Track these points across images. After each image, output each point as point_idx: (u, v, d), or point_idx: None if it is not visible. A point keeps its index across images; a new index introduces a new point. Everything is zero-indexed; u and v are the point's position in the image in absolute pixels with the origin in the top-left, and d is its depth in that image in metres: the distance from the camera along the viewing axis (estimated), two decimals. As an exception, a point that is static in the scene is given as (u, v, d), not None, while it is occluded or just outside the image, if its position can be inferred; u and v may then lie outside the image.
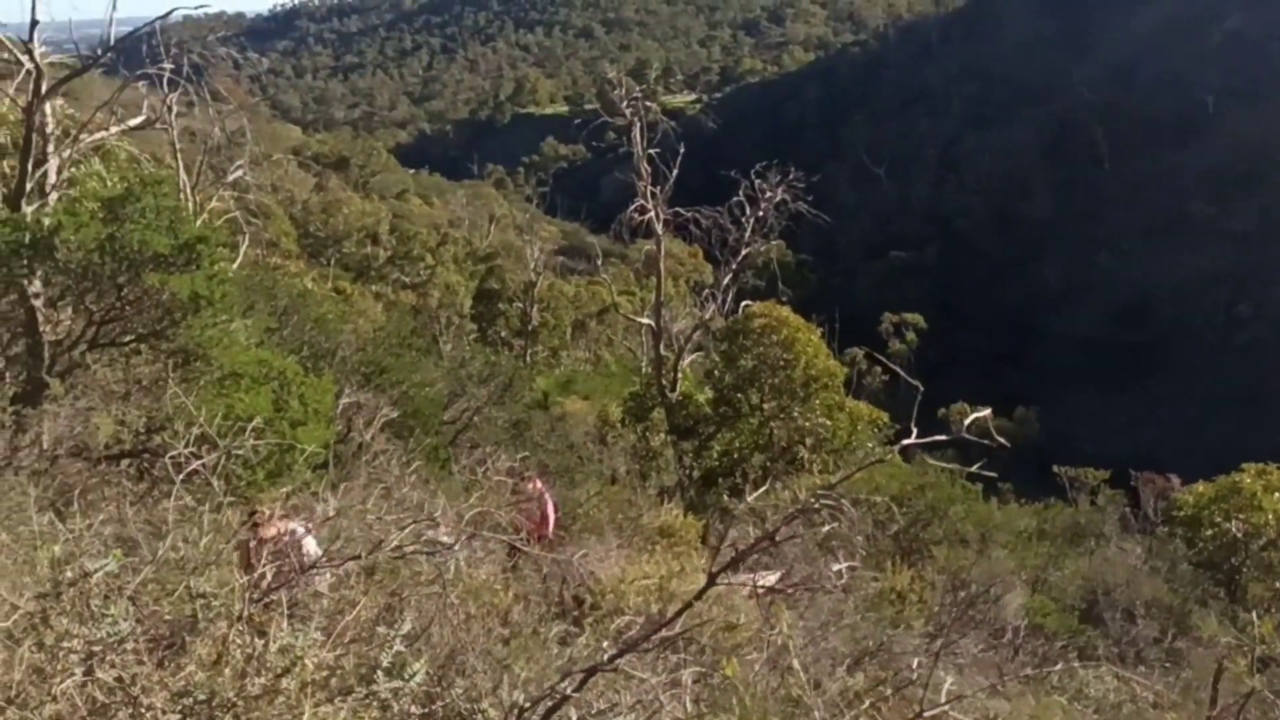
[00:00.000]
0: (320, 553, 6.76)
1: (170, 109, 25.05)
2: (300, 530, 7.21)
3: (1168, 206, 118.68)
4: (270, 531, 6.94)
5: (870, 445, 24.20)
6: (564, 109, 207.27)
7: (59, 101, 16.21)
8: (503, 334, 58.36)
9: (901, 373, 6.56)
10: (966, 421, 5.74)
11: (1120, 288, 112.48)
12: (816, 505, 5.65)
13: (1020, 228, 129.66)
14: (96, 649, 4.26)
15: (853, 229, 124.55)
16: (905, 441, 6.11)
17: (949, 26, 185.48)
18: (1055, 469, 39.09)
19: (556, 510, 14.67)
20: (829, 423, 24.49)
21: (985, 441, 5.54)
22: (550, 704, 4.75)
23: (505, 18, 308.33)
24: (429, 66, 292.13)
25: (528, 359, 49.63)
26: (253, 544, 7.06)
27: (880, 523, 20.65)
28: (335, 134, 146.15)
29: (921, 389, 5.58)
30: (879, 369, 74.86)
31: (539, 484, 14.48)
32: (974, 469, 6.31)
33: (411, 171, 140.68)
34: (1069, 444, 68.82)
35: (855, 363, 66.07)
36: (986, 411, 6.11)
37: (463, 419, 23.99)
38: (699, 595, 5.88)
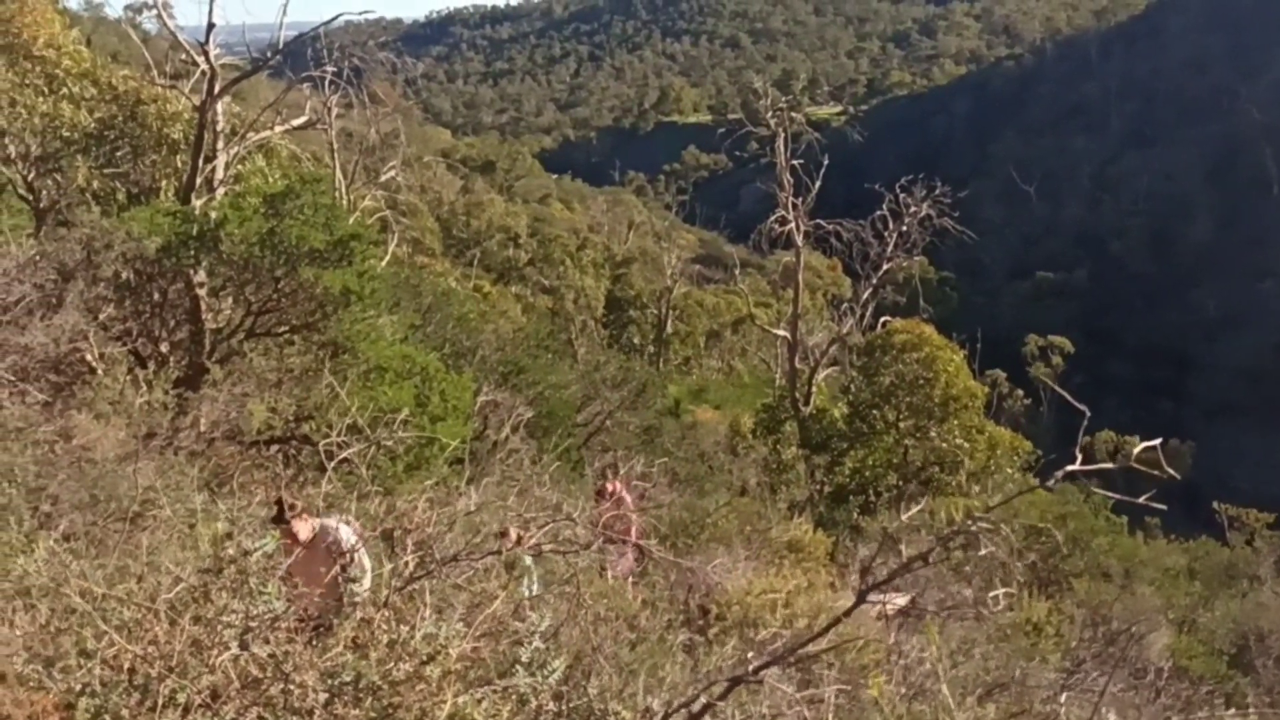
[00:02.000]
0: (353, 538, 6.81)
1: (330, 110, 26.02)
2: (333, 524, 7.30)
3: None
4: (305, 531, 7.02)
5: (1010, 471, 23.46)
6: (707, 118, 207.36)
7: (229, 100, 16.98)
8: (636, 340, 58.73)
9: (1068, 396, 6.30)
10: (1135, 451, 5.47)
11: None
12: (973, 528, 5.48)
13: (1179, 252, 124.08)
14: (253, 625, 4.42)
15: (998, 247, 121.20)
16: (1069, 468, 5.85)
17: (1110, 41, 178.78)
18: (1215, 506, 37.20)
19: (639, 504, 14.37)
20: (967, 445, 23.83)
21: (1145, 469, 5.28)
22: (692, 711, 4.72)
23: (653, 27, 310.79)
24: (576, 74, 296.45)
25: (661, 366, 49.81)
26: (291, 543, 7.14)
27: (1017, 550, 19.93)
28: (483, 138, 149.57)
29: (1089, 413, 5.34)
30: (1021, 392, 72.70)
31: (618, 485, 14.27)
32: (1142, 499, 5.98)
33: (554, 176, 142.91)
34: (1224, 481, 65.49)
35: (996, 385, 64.35)
36: (1156, 442, 5.80)
37: (595, 422, 24.20)
38: (848, 613, 5.77)
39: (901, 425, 24.61)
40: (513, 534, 6.80)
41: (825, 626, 5.76)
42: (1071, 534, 21.66)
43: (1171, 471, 5.30)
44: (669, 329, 56.43)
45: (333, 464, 7.75)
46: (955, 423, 24.02)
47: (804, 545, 15.10)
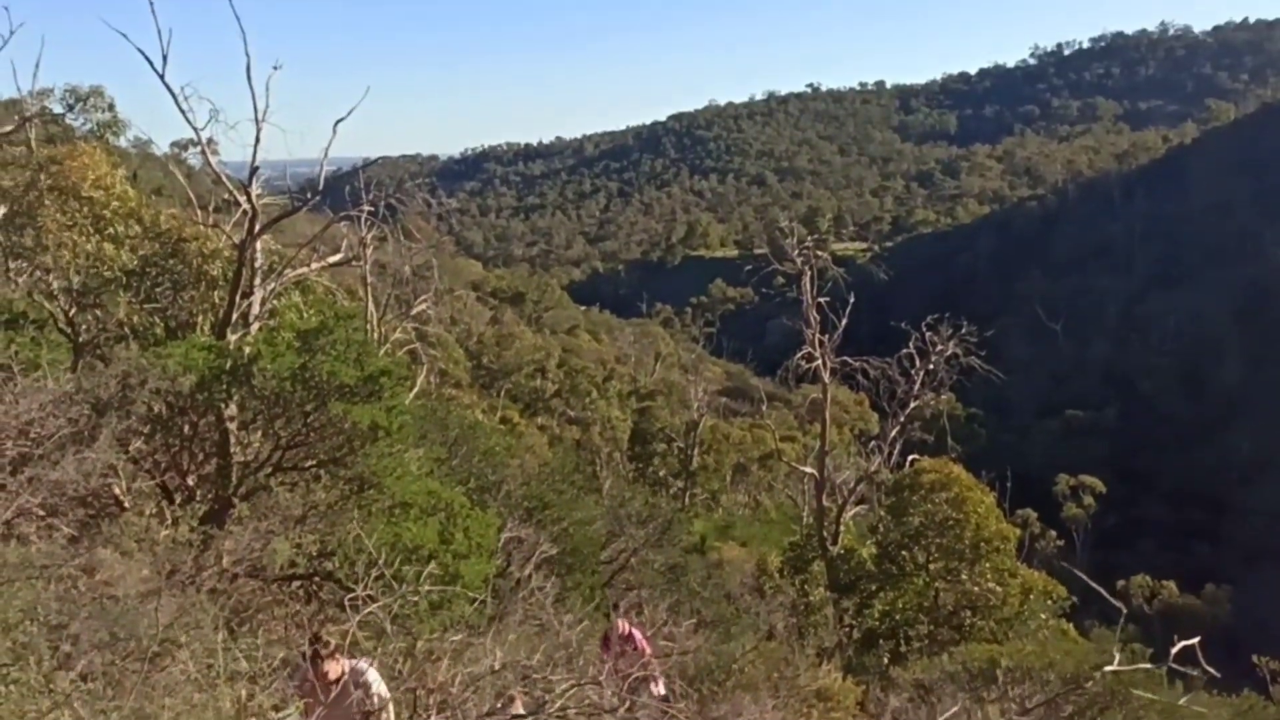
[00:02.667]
0: (384, 690, 6.67)
1: (366, 246, 26.62)
2: (364, 667, 7.17)
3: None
4: (335, 671, 6.91)
5: (1044, 617, 22.87)
6: (734, 252, 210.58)
7: (267, 237, 17.40)
8: (662, 473, 58.45)
9: (1103, 591, 6.16)
10: (1174, 651, 5.31)
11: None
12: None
13: (1210, 393, 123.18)
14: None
15: (1026, 385, 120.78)
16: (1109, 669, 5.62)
17: (1132, 184, 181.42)
18: (1255, 659, 35.88)
19: (650, 644, 14.04)
20: (999, 589, 23.31)
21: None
22: None
23: (681, 164, 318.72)
24: (605, 208, 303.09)
25: (686, 500, 49.42)
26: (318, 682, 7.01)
27: (1052, 702, 19.29)
28: (513, 270, 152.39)
29: (1124, 612, 5.18)
30: (1054, 533, 71.42)
31: (627, 624, 13.96)
32: (1202, 673, 5.76)
33: (583, 308, 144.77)
34: (1266, 629, 63.41)
35: (1027, 525, 63.28)
36: (1195, 641, 5.65)
37: (620, 560, 23.91)
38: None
39: (932, 567, 24.16)
40: (519, 703, 6.64)
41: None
42: (1110, 685, 20.91)
43: (1210, 670, 5.12)
44: (695, 462, 56.17)
45: (355, 604, 7.64)
46: (987, 565, 23.56)
47: (833, 694, 14.66)
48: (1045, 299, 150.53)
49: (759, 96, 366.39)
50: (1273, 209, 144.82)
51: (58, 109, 24.61)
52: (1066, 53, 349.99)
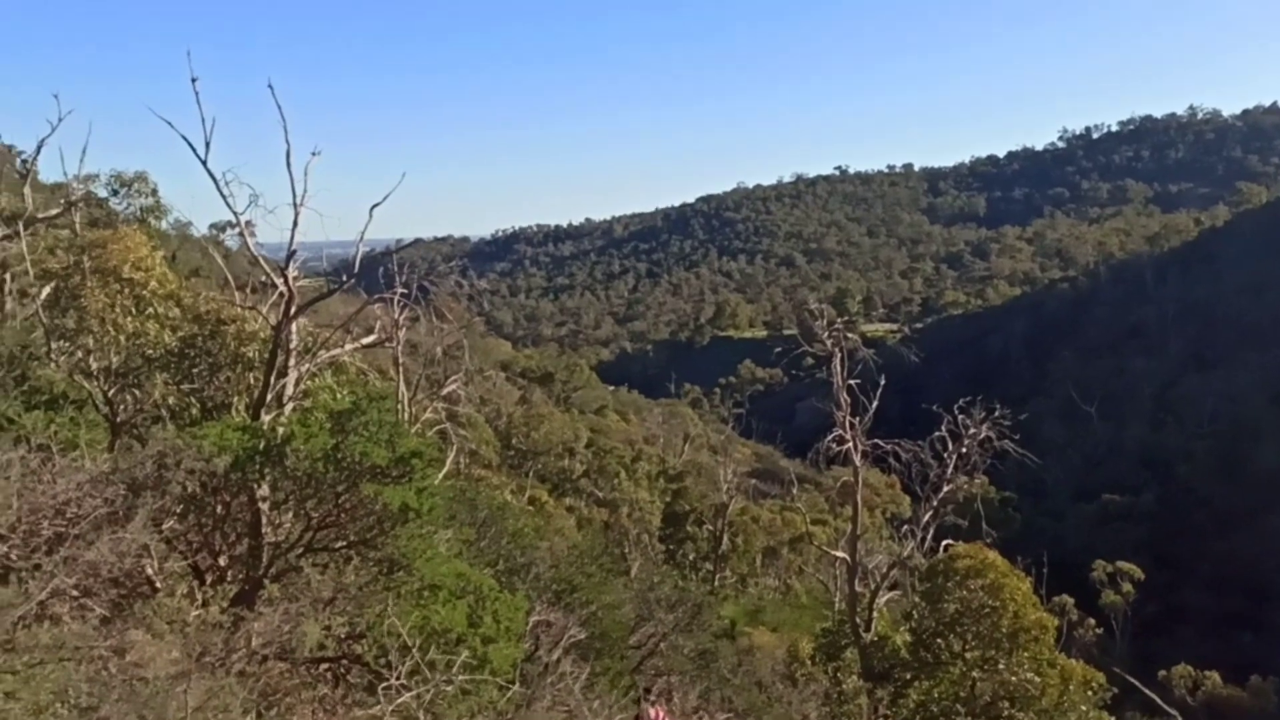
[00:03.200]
0: None
1: (399, 327, 26.88)
2: None
3: None
4: None
5: (1084, 709, 22.27)
6: (763, 333, 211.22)
7: (303, 319, 17.64)
8: (692, 556, 57.91)
9: (1160, 702, 6.05)
10: None
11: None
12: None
13: (1249, 476, 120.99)
14: None
15: (1061, 468, 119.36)
16: None
17: (1164, 266, 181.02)
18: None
19: None
20: (1038, 679, 22.74)
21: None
22: None
23: (710, 246, 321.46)
24: (634, 289, 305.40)
25: (716, 583, 48.87)
26: None
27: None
28: (542, 350, 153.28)
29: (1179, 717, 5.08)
30: (1092, 621, 69.89)
31: (658, 711, 13.72)
32: None
33: (611, 388, 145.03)
34: (1313, 721, 61.49)
35: (1065, 612, 62.03)
36: None
37: (649, 644, 23.59)
38: None
39: (968, 656, 23.65)
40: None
41: None
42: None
43: None
44: (725, 545, 55.63)
45: (385, 689, 7.56)
46: (1025, 654, 23.03)
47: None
48: (1078, 381, 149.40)
49: (787, 179, 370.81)
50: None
51: (102, 193, 25.27)
52: (1095, 136, 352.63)
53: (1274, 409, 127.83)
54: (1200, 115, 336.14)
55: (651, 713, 13.76)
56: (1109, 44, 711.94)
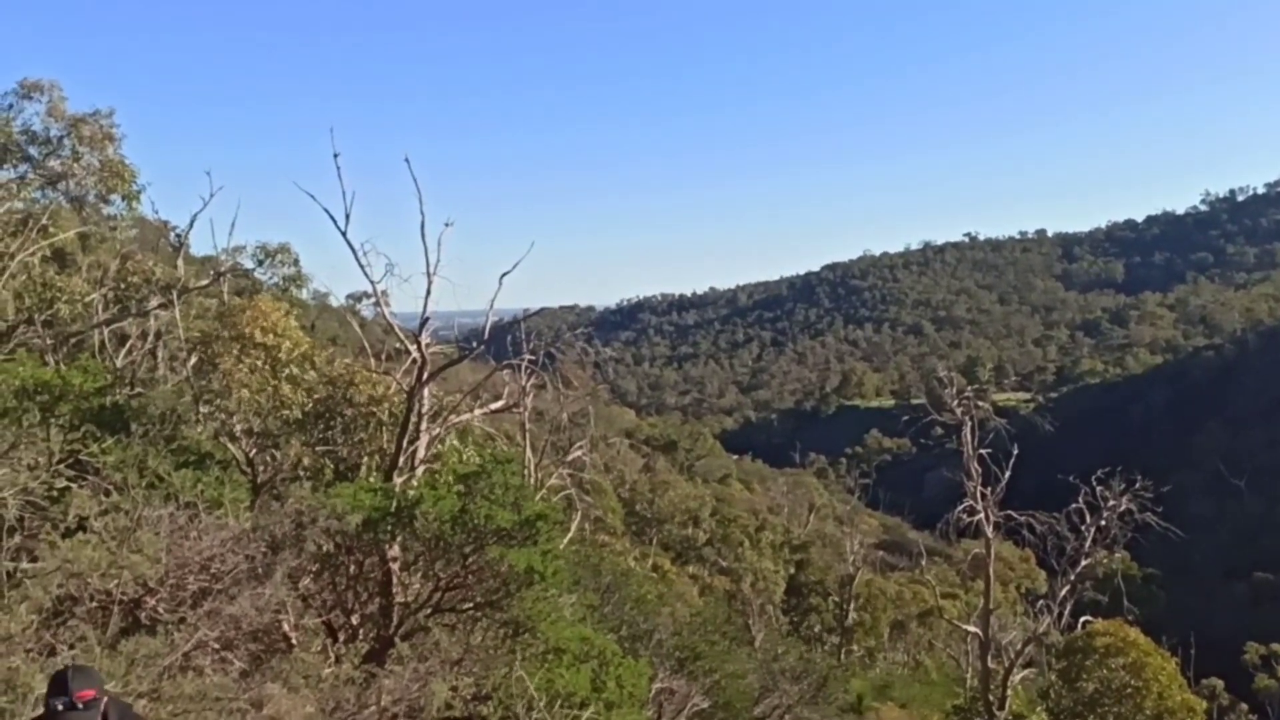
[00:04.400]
0: None
1: (525, 394, 27.38)
2: None
3: None
4: None
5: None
6: (890, 402, 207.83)
7: (433, 385, 18.17)
8: (817, 628, 56.80)
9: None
10: None
11: None
12: None
13: None
14: None
15: (1209, 545, 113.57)
16: None
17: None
18: None
19: None
20: (1186, 769, 21.57)
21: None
22: None
23: (835, 314, 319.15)
24: (758, 357, 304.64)
25: (842, 656, 47.78)
26: None
27: None
28: (666, 418, 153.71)
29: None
30: (1245, 706, 65.79)
31: None
32: None
33: (735, 457, 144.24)
34: None
35: (1215, 696, 58.56)
36: None
37: (773, 716, 23.19)
38: None
39: (1111, 740, 22.58)
40: None
41: None
42: None
43: None
44: (851, 618, 54.42)
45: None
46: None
47: None
48: (1226, 453, 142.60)
49: (915, 246, 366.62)
50: None
51: (249, 264, 26.61)
52: (1240, 198, 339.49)
53: None
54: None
55: None
56: (1253, 103, 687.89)
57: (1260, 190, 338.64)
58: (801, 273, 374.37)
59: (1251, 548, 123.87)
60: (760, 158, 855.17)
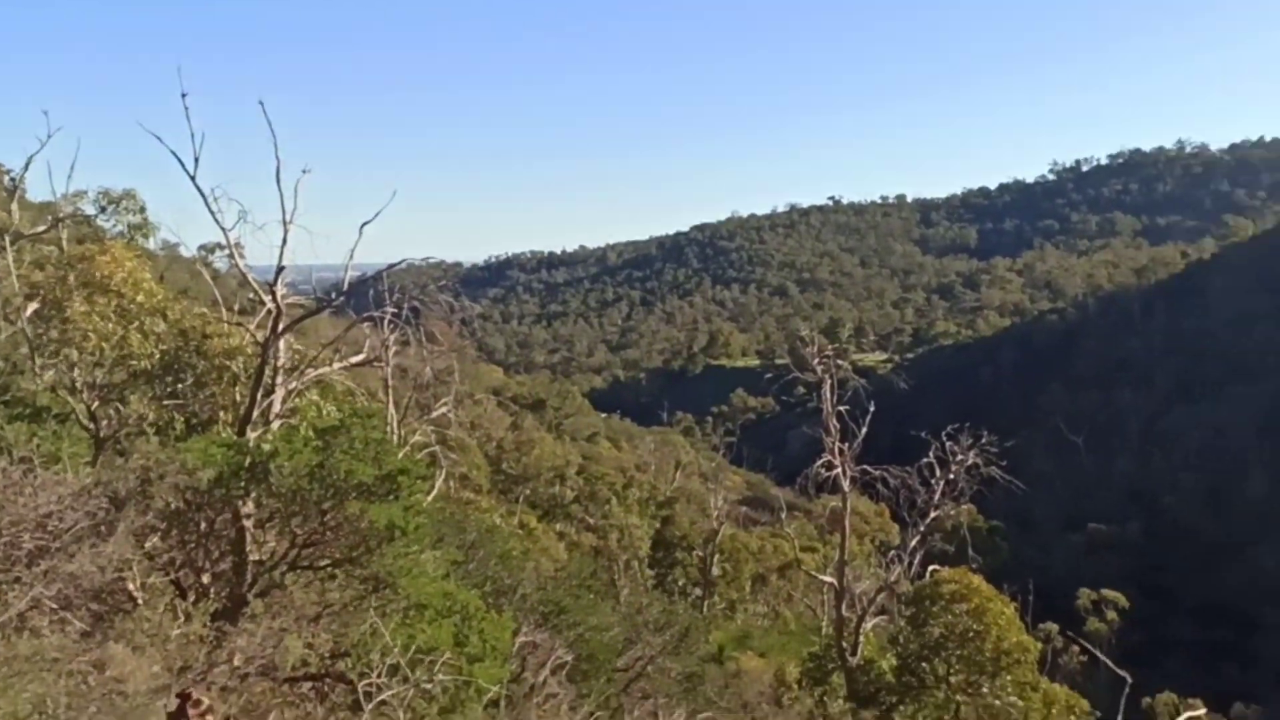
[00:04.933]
0: None
1: (388, 348, 26.86)
2: None
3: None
4: None
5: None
6: (755, 362, 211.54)
7: (290, 337, 17.66)
8: (680, 582, 57.71)
9: (1107, 660, 6.12)
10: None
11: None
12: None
13: (1235, 508, 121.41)
14: None
15: (1048, 499, 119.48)
16: None
17: (1152, 299, 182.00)
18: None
19: None
20: (1021, 703, 22.73)
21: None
22: None
23: (704, 274, 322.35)
24: (628, 317, 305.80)
25: (705, 609, 48.72)
26: None
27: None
28: (534, 376, 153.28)
29: (1130, 680, 5.19)
30: (1076, 649, 69.76)
31: None
32: None
33: (604, 415, 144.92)
34: (1300, 752, 61.36)
35: (1050, 640, 61.86)
36: (1201, 712, 5.67)
37: (636, 667, 23.49)
38: None
39: (953, 680, 23.62)
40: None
41: None
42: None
43: None
44: (714, 571, 55.46)
45: (370, 705, 7.56)
46: (1009, 679, 23.02)
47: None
48: (1066, 412, 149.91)
49: (781, 208, 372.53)
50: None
51: (90, 211, 25.32)
52: (1085, 169, 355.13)
53: (1261, 442, 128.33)
54: (1188, 149, 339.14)
55: None
56: (1100, 79, 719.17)
57: (1103, 161, 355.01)
58: (671, 233, 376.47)
59: (1087, 501, 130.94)
60: (628, 120, 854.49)
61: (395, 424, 31.27)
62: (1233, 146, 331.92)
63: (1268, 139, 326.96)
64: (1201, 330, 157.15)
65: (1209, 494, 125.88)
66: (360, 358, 20.03)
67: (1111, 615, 79.53)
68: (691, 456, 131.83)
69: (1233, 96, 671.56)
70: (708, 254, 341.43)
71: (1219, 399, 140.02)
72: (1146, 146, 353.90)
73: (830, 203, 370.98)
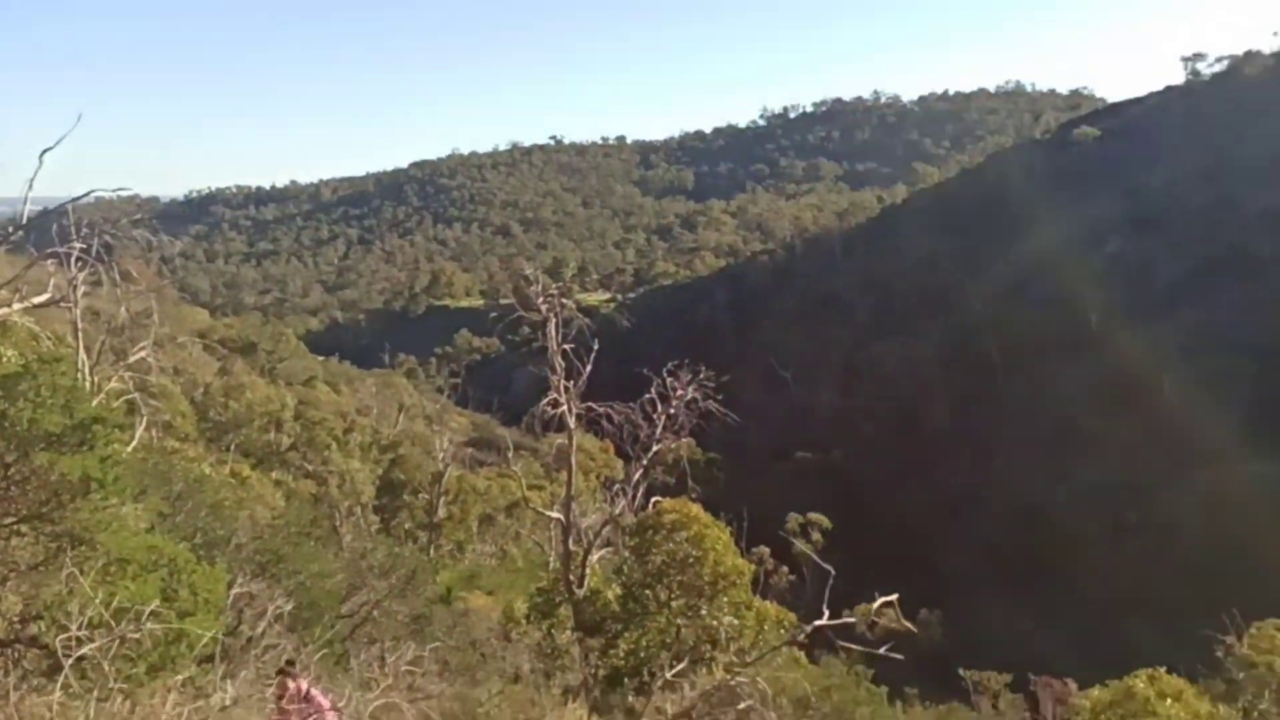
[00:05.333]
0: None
1: (76, 288, 24.71)
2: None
3: (1059, 417, 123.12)
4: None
5: (778, 645, 23.81)
6: (479, 302, 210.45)
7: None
8: (407, 526, 57.14)
9: (815, 556, 6.58)
10: (874, 606, 5.93)
11: (1017, 495, 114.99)
12: (732, 682, 5.52)
13: (922, 434, 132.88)
14: None
15: (761, 430, 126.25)
16: (816, 623, 6.21)
17: (852, 240, 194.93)
18: (960, 672, 39.01)
19: (330, 702, 13.69)
20: (736, 621, 24.09)
21: (888, 650, 5.52)
22: None
23: (424, 213, 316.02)
24: (345, 256, 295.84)
25: (432, 551, 48.52)
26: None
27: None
28: (244, 318, 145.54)
29: (833, 571, 5.62)
30: (786, 569, 74.68)
31: (304, 684, 13.57)
32: (881, 650, 6.38)
33: (321, 359, 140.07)
34: (971, 648, 68.68)
35: (762, 562, 65.92)
36: (894, 597, 6.36)
37: (362, 612, 23.10)
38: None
39: (674, 604, 24.67)
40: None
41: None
42: (836, 705, 22.13)
43: (908, 625, 5.85)
44: (441, 514, 55.23)
45: (70, 663, 7.01)
46: (725, 600, 24.31)
47: (579, 734, 14.67)
48: (777, 348, 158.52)
49: (503, 146, 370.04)
50: (971, 264, 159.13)
51: None
52: (792, 115, 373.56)
53: (944, 373, 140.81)
54: (883, 99, 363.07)
55: (297, 685, 13.43)
56: (806, 26, 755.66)
57: (809, 109, 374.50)
58: (389, 169, 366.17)
59: (795, 432, 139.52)
60: (341, 53, 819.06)
61: (87, 370, 28.92)
62: (921, 99, 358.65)
63: (950, 92, 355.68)
64: (894, 270, 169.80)
65: (901, 421, 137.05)
66: (44, 298, 18.39)
67: (817, 537, 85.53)
68: (415, 399, 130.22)
69: (923, 51, 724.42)
70: (428, 192, 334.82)
71: (910, 333, 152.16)
72: (847, 96, 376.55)
73: (552, 142, 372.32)
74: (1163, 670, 25.28)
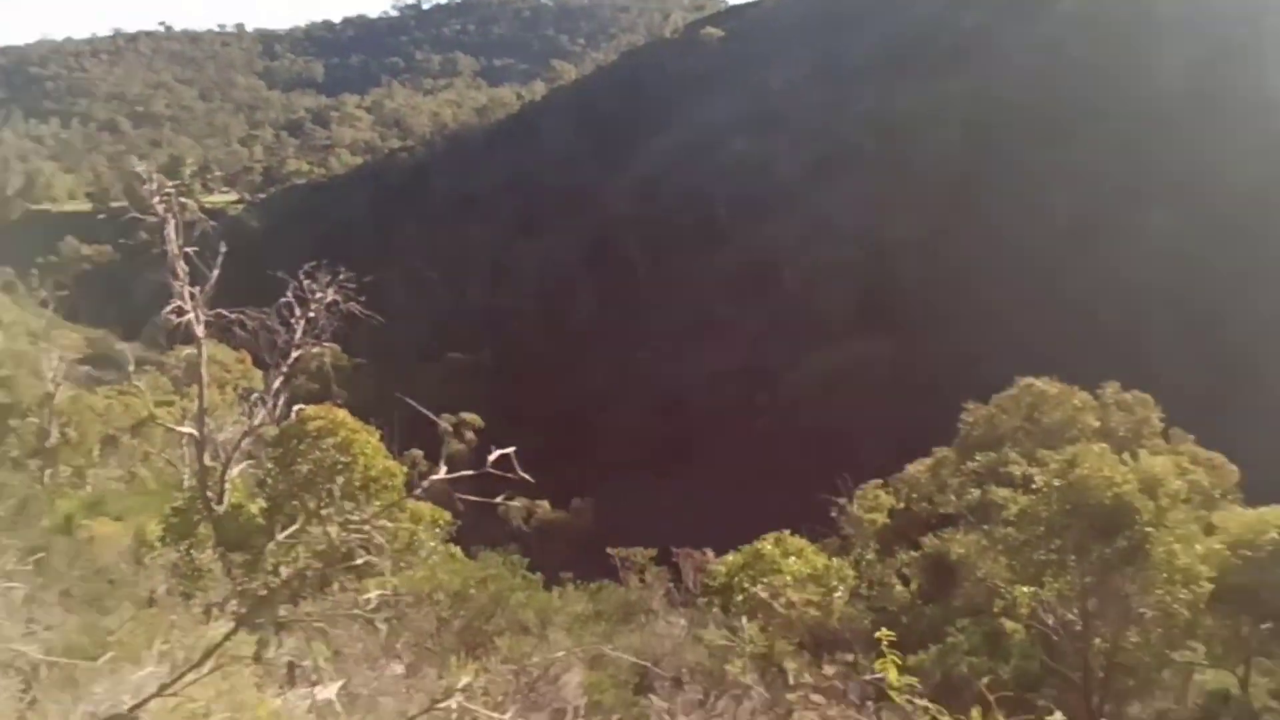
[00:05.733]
0: None
1: None
2: None
3: (695, 308, 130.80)
4: None
5: (433, 544, 23.99)
6: (87, 206, 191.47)
7: None
8: (15, 454, 51.85)
9: (419, 409, 6.74)
10: (491, 458, 6.45)
11: (659, 384, 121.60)
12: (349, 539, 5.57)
13: (568, 330, 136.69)
14: None
15: (409, 332, 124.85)
16: (434, 477, 6.68)
17: (494, 138, 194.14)
18: (609, 550, 41.21)
19: None
20: (390, 524, 23.96)
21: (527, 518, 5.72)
22: None
23: (13, 106, 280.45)
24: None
25: (46, 479, 44.48)
26: None
27: (444, 620, 20.51)
28: None
29: (450, 429, 5.81)
30: (442, 469, 75.01)
31: None
32: (499, 500, 6.91)
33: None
34: (620, 529, 72.46)
35: (416, 464, 65.81)
36: (511, 450, 7.08)
37: (-37, 551, 20.81)
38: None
39: (324, 512, 24.15)
40: None
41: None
42: (493, 595, 22.74)
43: (525, 475, 6.51)
44: (54, 438, 50.51)
45: None
46: (378, 503, 24.08)
47: (225, 649, 14.10)
48: (422, 248, 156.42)
49: (104, 33, 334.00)
50: (609, 163, 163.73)
51: None
52: (426, 6, 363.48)
53: (587, 270, 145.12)
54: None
55: None
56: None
57: (443, 1, 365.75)
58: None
59: (443, 333, 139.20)
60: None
61: None
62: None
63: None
64: (536, 168, 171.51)
65: (546, 319, 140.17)
66: None
67: (470, 436, 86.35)
68: (16, 315, 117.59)
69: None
70: (16, 83, 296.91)
71: (553, 231, 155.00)
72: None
73: (162, 29, 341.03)
74: (787, 533, 28.35)
